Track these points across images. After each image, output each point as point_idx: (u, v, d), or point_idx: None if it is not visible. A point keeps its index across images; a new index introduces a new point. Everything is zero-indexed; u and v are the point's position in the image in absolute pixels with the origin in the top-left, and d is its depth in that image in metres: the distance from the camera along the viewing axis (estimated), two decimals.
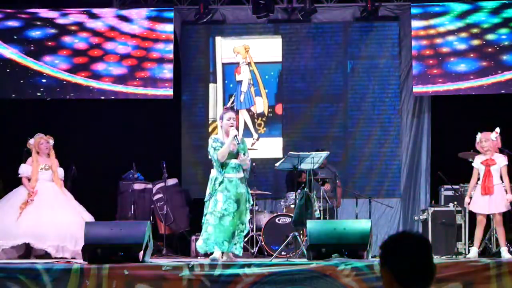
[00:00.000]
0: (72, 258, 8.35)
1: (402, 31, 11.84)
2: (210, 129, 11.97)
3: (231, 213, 7.67)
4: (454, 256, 8.91)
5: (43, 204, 8.93)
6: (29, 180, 9.12)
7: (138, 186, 10.86)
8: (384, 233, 11.23)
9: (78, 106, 11.44)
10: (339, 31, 12.04)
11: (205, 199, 7.85)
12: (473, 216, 8.89)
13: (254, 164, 8.89)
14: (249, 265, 6.86)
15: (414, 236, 2.69)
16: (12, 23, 11.37)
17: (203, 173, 10.88)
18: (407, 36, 11.56)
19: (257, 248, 10.04)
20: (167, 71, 11.28)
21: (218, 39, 12.12)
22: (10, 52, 11.20)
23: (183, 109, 12.12)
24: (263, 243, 9.97)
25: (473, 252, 8.31)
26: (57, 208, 8.93)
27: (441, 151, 11.15)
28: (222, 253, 7.68)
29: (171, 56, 11.32)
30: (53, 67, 11.20)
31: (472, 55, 11.01)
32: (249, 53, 12.07)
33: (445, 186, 10.00)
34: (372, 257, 7.55)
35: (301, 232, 9.15)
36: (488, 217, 8.48)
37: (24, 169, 9.17)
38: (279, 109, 12.04)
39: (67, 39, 11.36)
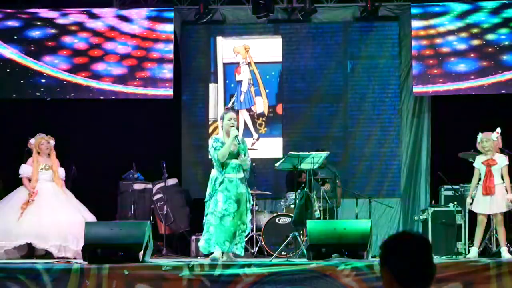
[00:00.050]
0: (74, 258, 8.35)
1: (402, 31, 11.84)
2: (210, 129, 11.97)
3: (231, 213, 7.68)
4: (454, 256, 8.91)
5: (44, 204, 8.93)
6: (29, 180, 9.12)
7: (138, 186, 10.86)
8: (384, 233, 11.24)
9: (78, 106, 11.44)
10: (339, 31, 12.04)
11: (206, 199, 7.86)
12: (473, 216, 8.89)
13: (254, 164, 8.90)
14: (249, 265, 6.86)
15: (414, 236, 2.69)
16: (12, 23, 11.37)
17: (203, 173, 10.88)
18: (407, 36, 11.56)
19: (257, 248, 10.04)
20: (167, 71, 11.28)
21: (219, 39, 12.12)
22: (10, 52, 11.20)
23: (183, 109, 12.12)
24: (263, 243, 9.97)
25: (473, 252, 8.31)
26: (58, 208, 8.94)
27: (441, 151, 11.15)
28: (222, 253, 7.70)
29: (171, 56, 11.32)
30: (53, 67, 11.20)
31: (472, 55, 11.00)
32: (249, 53, 12.07)
33: (445, 186, 10.00)
34: (372, 257, 7.56)
35: (301, 232, 9.15)
36: (488, 217, 8.48)
37: (25, 170, 9.17)
38: (279, 109, 12.05)
39: (67, 39, 11.36)
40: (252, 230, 9.98)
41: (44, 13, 11.44)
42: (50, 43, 11.33)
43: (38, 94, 11.21)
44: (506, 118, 9.69)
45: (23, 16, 11.39)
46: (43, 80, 11.20)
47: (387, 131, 11.88)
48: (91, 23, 11.43)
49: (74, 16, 11.45)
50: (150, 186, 10.96)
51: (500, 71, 10.87)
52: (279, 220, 10.07)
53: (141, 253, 7.18)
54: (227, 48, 12.12)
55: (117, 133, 11.22)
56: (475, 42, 11.06)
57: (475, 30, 11.08)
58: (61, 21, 11.42)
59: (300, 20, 11.84)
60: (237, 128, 8.11)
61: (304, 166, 8.91)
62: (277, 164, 9.29)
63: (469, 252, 8.64)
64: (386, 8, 11.77)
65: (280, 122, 12.01)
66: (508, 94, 10.83)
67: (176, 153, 11.90)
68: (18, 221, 8.76)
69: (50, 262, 7.38)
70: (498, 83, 10.85)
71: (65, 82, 11.20)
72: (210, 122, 12.02)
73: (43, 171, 9.16)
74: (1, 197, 9.58)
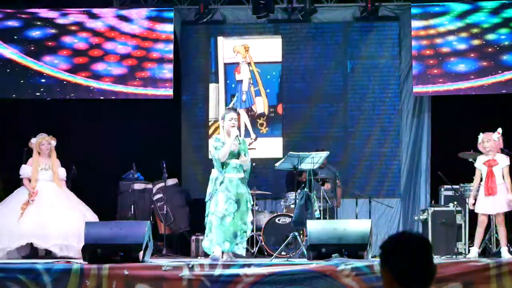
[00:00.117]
0: (77, 258, 8.33)
1: (402, 31, 11.84)
2: (211, 129, 11.96)
3: (231, 213, 7.70)
4: (454, 256, 8.91)
5: (43, 204, 8.93)
6: (30, 181, 9.12)
7: (138, 186, 10.86)
8: (384, 233, 11.23)
9: (78, 106, 11.44)
10: (339, 31, 12.03)
11: (206, 199, 7.88)
12: (473, 216, 8.90)
13: (254, 164, 8.89)
14: (249, 265, 6.86)
15: (414, 236, 2.69)
16: (12, 23, 11.37)
17: (203, 173, 10.88)
18: (407, 36, 11.56)
19: (257, 248, 10.04)
20: (167, 71, 11.27)
21: (220, 39, 12.12)
22: (10, 52, 11.20)
23: (183, 109, 12.12)
24: (263, 243, 9.97)
25: (473, 252, 8.31)
26: (58, 207, 8.94)
27: (441, 151, 11.15)
28: (223, 252, 7.70)
29: (171, 56, 11.32)
30: (53, 67, 11.19)
31: (472, 55, 11.00)
32: (249, 52, 12.07)
33: (445, 186, 10.00)
34: (372, 257, 7.56)
35: (301, 232, 9.16)
36: (489, 217, 8.49)
37: (25, 170, 9.18)
38: (280, 109, 12.05)
39: (67, 39, 11.36)
40: (252, 230, 9.98)
41: (44, 13, 11.43)
42: (50, 43, 11.33)
43: (38, 94, 11.21)
44: (506, 118, 9.68)
45: (23, 16, 11.39)
46: (43, 80, 11.19)
47: (387, 131, 11.88)
48: (91, 23, 11.43)
49: (74, 16, 11.44)
50: (150, 186, 10.96)
51: (500, 71, 10.86)
52: (279, 220, 10.06)
53: (141, 253, 7.18)
54: (228, 48, 12.12)
55: (117, 133, 11.21)
56: (475, 42, 11.05)
57: (475, 30, 11.07)
58: (61, 21, 11.41)
59: (300, 20, 11.83)
60: (238, 128, 8.13)
61: (304, 166, 8.91)
62: (277, 164, 9.29)
63: (469, 252, 8.65)
64: (386, 8, 11.77)
65: (280, 122, 12.01)
66: (508, 94, 10.82)
67: (176, 153, 11.90)
68: (18, 221, 8.76)
69: (50, 262, 7.38)
70: (498, 83, 10.84)
71: (65, 82, 11.19)
72: (211, 122, 12.02)
73: (43, 171, 9.16)
74: (0, 197, 9.58)
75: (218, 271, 6.77)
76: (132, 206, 10.39)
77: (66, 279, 6.72)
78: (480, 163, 8.41)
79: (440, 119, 11.56)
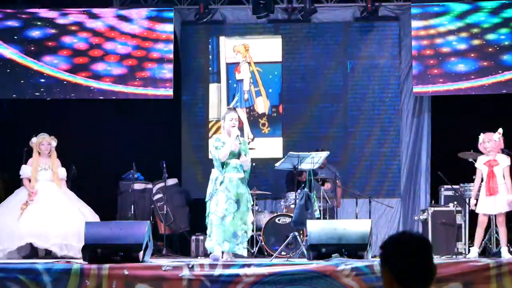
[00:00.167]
0: (77, 258, 8.33)
1: (402, 31, 11.84)
2: (213, 129, 11.95)
3: (231, 213, 7.72)
4: (454, 256, 8.91)
5: (43, 204, 8.93)
6: (30, 181, 9.12)
7: (138, 186, 10.86)
8: (384, 233, 11.23)
9: (78, 106, 11.44)
10: (339, 31, 12.03)
11: (206, 199, 7.89)
12: (473, 216, 8.90)
13: (254, 164, 8.90)
14: (249, 265, 6.86)
15: (414, 236, 2.69)
16: (12, 23, 11.37)
17: (203, 173, 10.88)
18: (407, 36, 11.55)
19: (257, 248, 10.04)
20: (167, 71, 11.28)
21: (222, 38, 12.11)
22: (10, 52, 11.20)
23: (183, 109, 12.12)
24: (263, 243, 9.97)
25: (473, 252, 8.31)
26: (58, 207, 8.93)
27: (441, 151, 11.14)
28: (223, 252, 7.71)
29: (171, 56, 11.32)
30: (53, 67, 11.20)
31: (472, 55, 11.00)
32: (249, 52, 12.07)
33: (445, 186, 10.00)
34: (372, 257, 7.56)
35: (301, 232, 9.16)
36: (489, 217, 8.49)
37: (25, 171, 9.18)
38: (281, 109, 12.05)
39: (67, 39, 11.36)
40: (252, 230, 9.98)
41: (44, 13, 11.43)
42: (50, 43, 11.33)
43: (38, 94, 11.21)
44: (506, 118, 9.69)
45: (23, 16, 11.38)
46: (43, 80, 11.19)
47: (387, 131, 11.88)
48: (91, 23, 11.43)
49: (74, 16, 11.44)
50: (150, 186, 10.96)
51: (500, 71, 10.86)
52: (279, 220, 10.06)
53: (141, 253, 7.19)
54: (230, 48, 12.13)
55: (117, 133, 11.21)
56: (475, 42, 11.05)
57: (475, 30, 11.07)
58: (61, 21, 11.41)
59: (300, 20, 11.83)
60: (239, 128, 8.14)
61: (304, 166, 8.91)
62: (277, 164, 9.29)
63: (469, 252, 8.65)
64: (386, 8, 11.77)
65: (281, 122, 12.01)
66: (508, 94, 10.82)
67: (176, 153, 11.90)
68: (17, 221, 8.76)
69: (50, 262, 7.39)
70: (498, 83, 10.84)
71: (65, 82, 11.19)
72: (212, 122, 12.00)
73: (42, 171, 9.16)
74: (0, 197, 9.58)
75: (218, 271, 6.78)
76: (132, 206, 10.40)
77: (66, 279, 6.73)
78: (480, 164, 8.40)
79: (440, 119, 11.56)
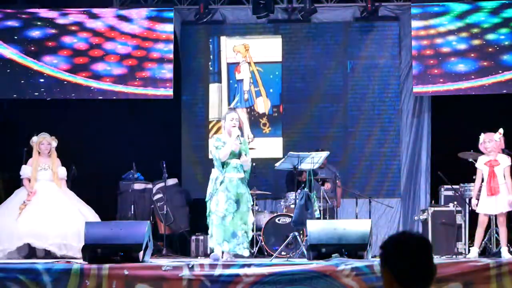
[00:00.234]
0: (77, 258, 8.32)
1: (402, 31, 11.84)
2: (214, 129, 11.94)
3: (231, 213, 7.72)
4: (454, 256, 8.91)
5: (41, 203, 8.92)
6: (30, 181, 9.12)
7: (138, 186, 10.86)
8: (384, 233, 11.23)
9: (78, 106, 11.44)
10: (339, 31, 12.03)
11: (206, 199, 7.90)
12: (473, 216, 8.89)
13: (254, 164, 8.90)
14: (249, 265, 6.86)
15: (414, 236, 2.69)
16: (12, 23, 11.37)
17: (203, 173, 10.87)
18: (407, 36, 11.56)
19: (257, 248, 10.04)
20: (167, 71, 11.28)
21: (223, 38, 12.11)
22: (10, 52, 11.20)
23: (183, 109, 12.12)
24: (263, 243, 9.97)
25: (473, 252, 8.31)
26: (56, 207, 8.92)
27: (441, 151, 11.14)
28: (223, 252, 7.72)
29: (171, 56, 11.32)
30: (53, 67, 11.20)
31: (472, 55, 11.00)
32: (249, 52, 12.07)
33: (445, 186, 10.00)
34: (372, 257, 7.56)
35: (301, 232, 9.15)
36: (489, 217, 8.49)
37: (25, 171, 9.17)
38: (281, 108, 12.04)
39: (67, 39, 11.36)
40: (252, 230, 9.98)
41: (44, 13, 11.43)
42: (50, 43, 11.33)
43: (38, 94, 11.21)
44: (506, 118, 9.68)
45: (23, 16, 11.39)
46: (43, 80, 11.19)
47: (387, 131, 11.88)
48: (91, 23, 11.43)
49: (74, 16, 11.44)
50: (150, 186, 10.96)
51: (500, 71, 10.86)
52: (279, 220, 10.06)
53: (141, 253, 7.19)
54: (230, 48, 12.13)
55: (117, 133, 11.21)
56: (475, 42, 11.05)
57: (475, 30, 11.07)
58: (61, 21, 11.41)
59: (300, 20, 11.84)
60: (240, 128, 8.15)
61: (304, 166, 8.91)
62: (277, 164, 9.30)
63: (469, 252, 8.65)
64: (386, 8, 11.77)
65: (281, 122, 12.01)
66: (508, 94, 10.82)
67: (176, 153, 11.90)
68: (16, 221, 8.75)
69: (50, 262, 7.39)
70: (498, 83, 10.84)
71: (65, 82, 11.19)
72: (213, 122, 12.00)
73: (42, 171, 9.16)
74: (0, 197, 9.57)
75: (218, 271, 6.78)
76: (132, 206, 10.40)
77: (66, 279, 6.73)
78: (481, 164, 8.40)
79: (440, 119, 11.56)
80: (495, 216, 8.46)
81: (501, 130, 8.38)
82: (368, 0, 11.28)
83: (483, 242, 8.76)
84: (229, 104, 11.79)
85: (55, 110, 11.31)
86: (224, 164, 7.83)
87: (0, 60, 11.18)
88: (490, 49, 10.99)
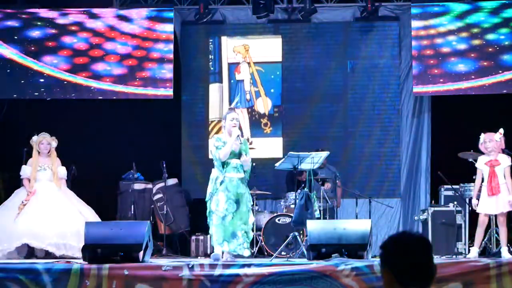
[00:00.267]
0: (77, 258, 8.31)
1: (402, 31, 11.84)
2: (213, 129, 11.94)
3: (231, 213, 7.72)
4: (454, 256, 8.91)
5: (40, 203, 8.91)
6: (30, 181, 9.12)
7: (138, 186, 10.86)
8: (384, 233, 11.23)
9: (78, 106, 11.44)
10: (339, 31, 12.03)
11: (206, 199, 7.90)
12: (473, 216, 8.89)
13: (254, 164, 8.90)
14: (249, 265, 6.86)
15: (414, 236, 2.69)
16: (12, 23, 11.37)
17: (203, 173, 10.87)
18: (407, 36, 11.56)
19: (257, 248, 10.04)
20: (167, 71, 11.28)
21: (224, 38, 12.11)
22: (10, 52, 11.20)
23: (183, 109, 12.12)
24: (263, 243, 9.97)
25: (473, 252, 8.31)
26: (56, 207, 8.91)
27: (441, 151, 11.15)
28: (223, 252, 7.72)
29: (171, 56, 11.32)
30: (53, 67, 11.20)
31: (472, 55, 11.00)
32: (249, 52, 12.07)
33: (445, 186, 10.00)
34: (372, 257, 7.56)
35: (301, 232, 9.16)
36: (489, 217, 8.48)
37: (25, 171, 9.17)
38: (281, 108, 12.05)
39: (67, 39, 11.36)
40: (252, 230, 9.98)
41: (44, 13, 11.43)
42: (50, 43, 11.33)
43: (38, 94, 11.21)
44: (506, 118, 9.68)
45: (23, 16, 11.39)
46: (43, 80, 11.19)
47: (387, 131, 11.88)
48: (91, 23, 11.43)
49: (74, 16, 11.45)
50: (150, 186, 10.96)
51: (500, 71, 10.86)
52: (279, 220, 10.06)
53: (141, 253, 7.18)
54: (231, 48, 12.13)
55: (117, 133, 11.21)
56: (475, 42, 11.05)
57: (475, 30, 11.07)
58: (61, 21, 11.42)
59: (300, 20, 11.84)
60: (240, 128, 8.15)
61: (304, 166, 8.91)
62: (277, 164, 9.29)
63: (469, 252, 8.65)
64: (386, 8, 11.77)
65: (281, 122, 12.01)
66: (508, 94, 10.82)
67: (176, 153, 11.90)
68: (14, 221, 8.75)
69: (50, 262, 7.38)
70: (498, 83, 10.84)
71: (65, 82, 11.19)
72: (214, 122, 12.00)
73: (42, 171, 9.15)
74: (0, 196, 9.57)
75: (218, 271, 6.77)
76: (132, 206, 10.40)
77: (66, 279, 6.72)
78: (481, 164, 8.39)
79: (440, 119, 11.56)
80: (495, 216, 8.46)
81: (501, 130, 8.37)
82: (368, 0, 11.28)
83: (483, 242, 8.76)
84: (229, 104, 11.79)
85: (55, 110, 11.30)
86: (224, 164, 7.83)
87: (0, 60, 11.18)
88: (490, 49, 10.99)
